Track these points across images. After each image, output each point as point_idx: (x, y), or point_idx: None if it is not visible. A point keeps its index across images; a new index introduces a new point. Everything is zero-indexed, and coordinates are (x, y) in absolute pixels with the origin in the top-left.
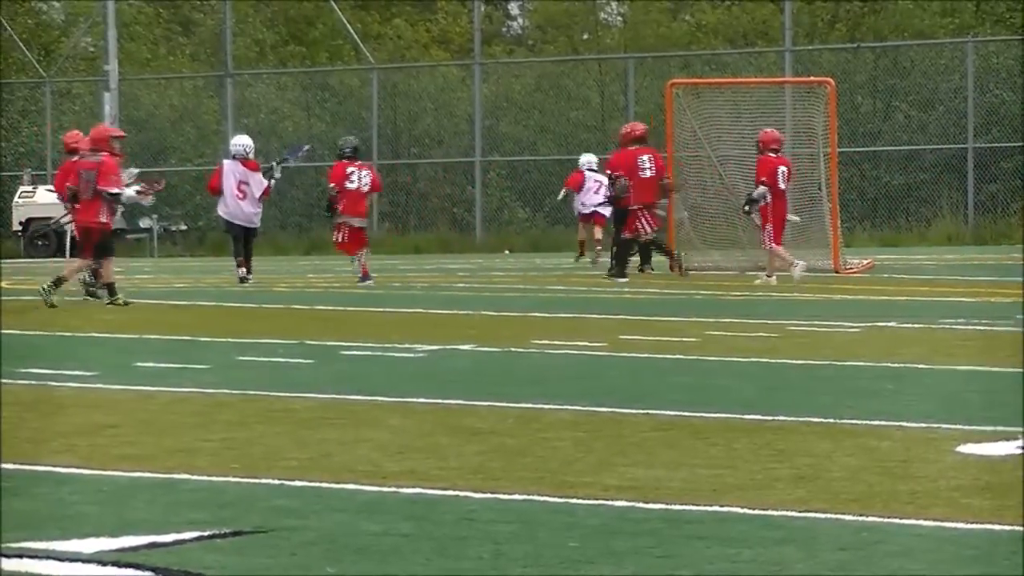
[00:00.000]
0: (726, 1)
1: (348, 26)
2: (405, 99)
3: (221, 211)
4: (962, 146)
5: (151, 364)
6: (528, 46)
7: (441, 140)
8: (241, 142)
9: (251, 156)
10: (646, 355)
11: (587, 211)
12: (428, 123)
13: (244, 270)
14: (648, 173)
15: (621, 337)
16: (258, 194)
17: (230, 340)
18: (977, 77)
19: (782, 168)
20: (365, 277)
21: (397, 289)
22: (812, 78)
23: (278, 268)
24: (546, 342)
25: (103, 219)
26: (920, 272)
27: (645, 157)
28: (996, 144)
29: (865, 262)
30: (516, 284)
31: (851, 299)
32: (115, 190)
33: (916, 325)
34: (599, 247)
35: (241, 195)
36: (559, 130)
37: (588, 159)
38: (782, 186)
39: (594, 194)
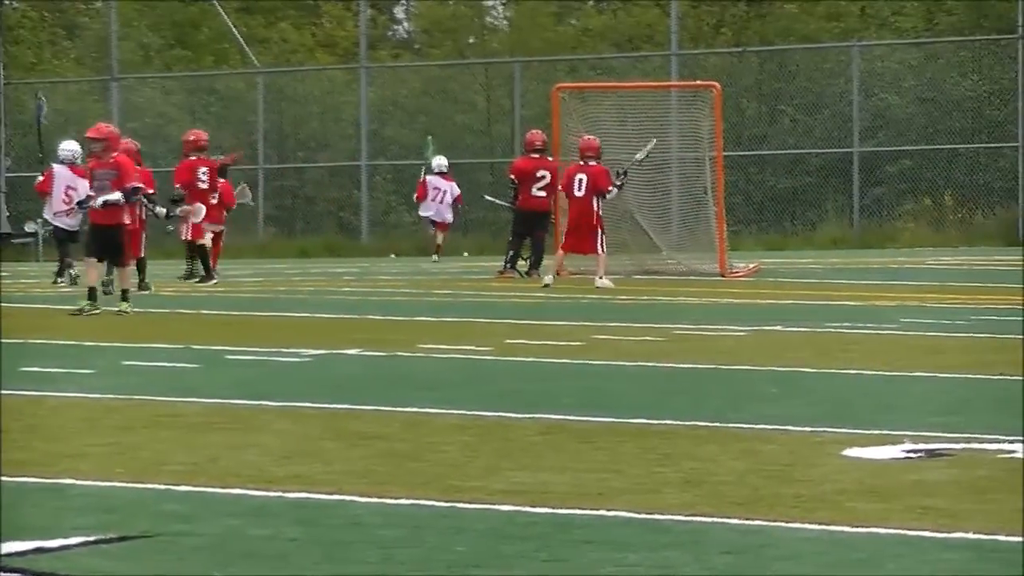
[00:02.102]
0: (612, 4)
1: (233, 29)
2: (291, 103)
3: (47, 215)
4: (848, 150)
5: (37, 368)
6: (414, 50)
7: (327, 144)
8: (70, 147)
9: (79, 162)
10: (533, 359)
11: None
12: (314, 127)
13: (74, 271)
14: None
15: (508, 341)
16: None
17: (116, 344)
18: (862, 81)
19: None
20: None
21: (283, 293)
22: (698, 82)
23: (164, 273)
24: (433, 346)
25: (126, 220)
26: (806, 276)
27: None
28: (881, 148)
29: (751, 266)
30: (403, 288)
31: (737, 303)
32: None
33: (802, 329)
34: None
35: (67, 200)
36: (445, 134)
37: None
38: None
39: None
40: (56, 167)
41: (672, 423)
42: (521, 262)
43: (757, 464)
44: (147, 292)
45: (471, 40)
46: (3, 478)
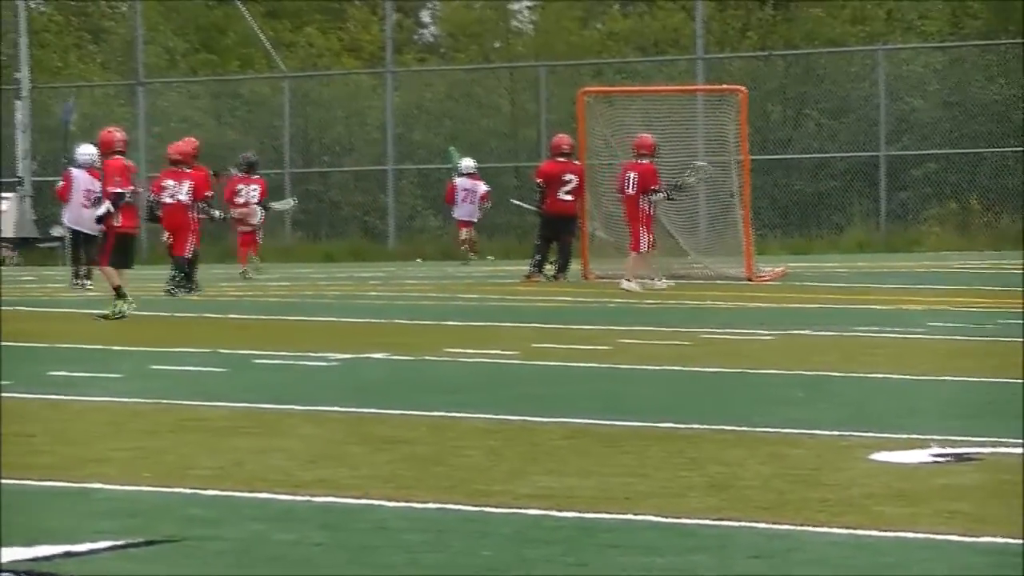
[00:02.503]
0: (637, 8)
1: (259, 34)
2: (317, 107)
3: (67, 219)
4: (873, 154)
5: (63, 373)
6: (440, 54)
7: (353, 148)
8: (88, 151)
9: (97, 165)
10: (559, 363)
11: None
12: (340, 131)
13: (88, 281)
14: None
15: (534, 345)
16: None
17: (143, 349)
18: (888, 85)
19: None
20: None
21: (310, 298)
22: (724, 86)
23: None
24: (459, 350)
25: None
26: (832, 279)
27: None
28: (907, 152)
29: (777, 270)
30: (429, 292)
31: (764, 307)
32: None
33: (829, 333)
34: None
35: (87, 203)
36: (471, 138)
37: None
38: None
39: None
40: (75, 171)
41: (698, 427)
42: (548, 266)
43: (783, 468)
44: (197, 293)
45: (496, 44)
46: (29, 482)
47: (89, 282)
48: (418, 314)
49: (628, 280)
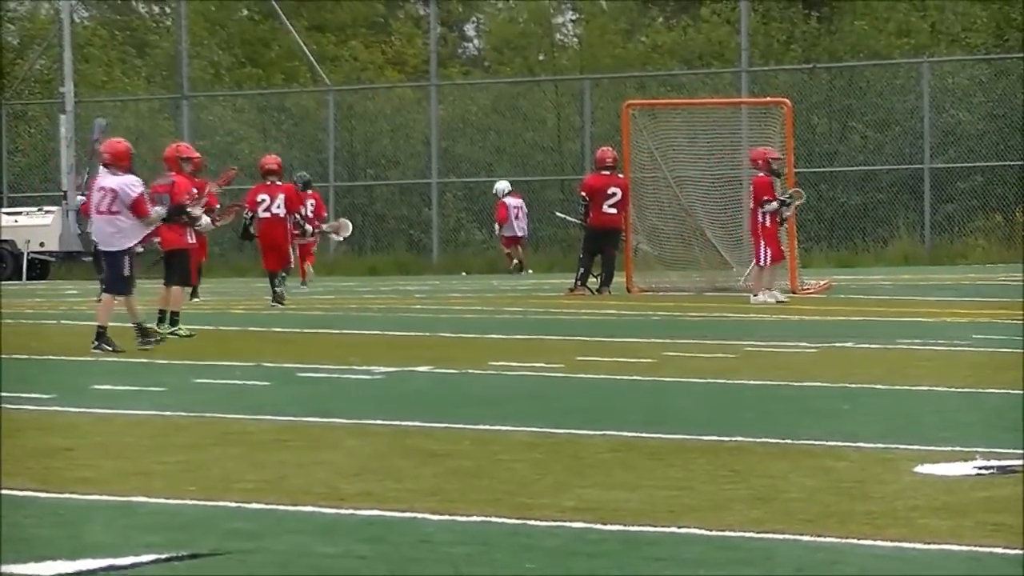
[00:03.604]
0: (682, 21)
1: (304, 48)
2: (361, 121)
3: (94, 235)
4: (918, 166)
5: (108, 387)
6: (484, 67)
7: (397, 162)
8: None
9: None
10: (603, 376)
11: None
12: (384, 145)
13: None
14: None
15: (578, 358)
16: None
17: (186, 362)
18: (933, 97)
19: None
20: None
21: (354, 311)
22: (768, 99)
23: (235, 290)
24: (503, 363)
25: (190, 240)
26: (877, 292)
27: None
28: (952, 164)
29: (822, 282)
30: (473, 305)
31: (808, 319)
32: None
33: (873, 345)
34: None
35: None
36: (515, 151)
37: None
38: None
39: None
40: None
41: (742, 440)
42: (592, 279)
43: (828, 481)
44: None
45: (541, 57)
46: (73, 496)
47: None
48: (462, 327)
49: (755, 296)
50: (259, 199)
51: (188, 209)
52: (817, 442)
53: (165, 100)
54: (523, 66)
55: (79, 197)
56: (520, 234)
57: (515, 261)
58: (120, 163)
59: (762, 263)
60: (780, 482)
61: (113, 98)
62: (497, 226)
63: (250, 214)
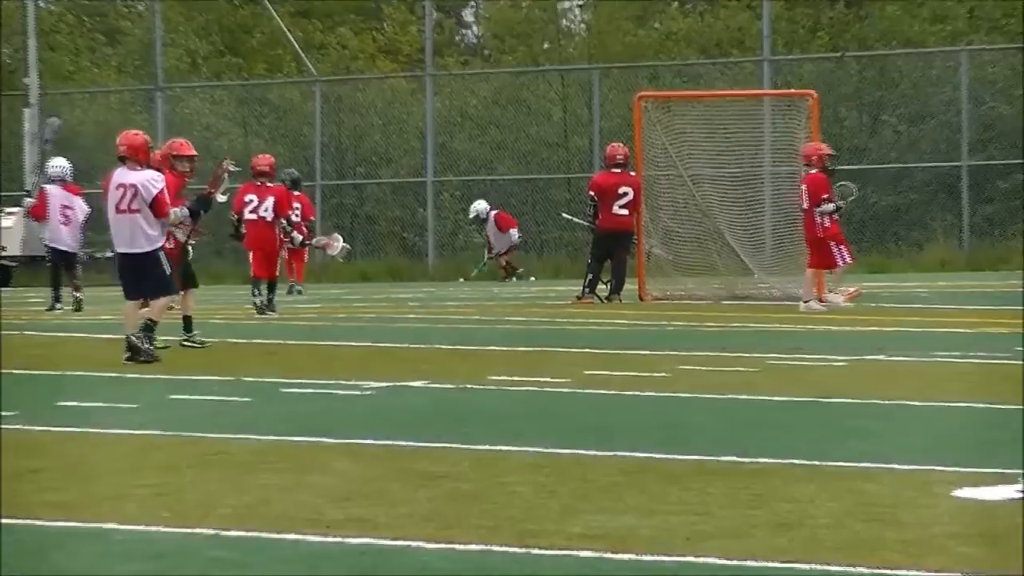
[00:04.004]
0: (698, 7)
1: (288, 35)
2: (351, 114)
3: (46, 238)
4: (956, 164)
5: (76, 403)
6: (484, 56)
7: (390, 159)
8: (60, 164)
9: (69, 179)
10: (614, 392)
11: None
12: (376, 140)
13: (80, 295)
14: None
15: (587, 372)
16: (82, 218)
17: (161, 377)
18: (972, 88)
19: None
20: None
21: (343, 321)
22: (793, 90)
23: (214, 298)
24: (505, 378)
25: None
26: (911, 300)
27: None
28: (993, 162)
29: (851, 290)
30: (472, 315)
31: (836, 330)
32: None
33: (907, 358)
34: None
35: (64, 220)
36: (518, 147)
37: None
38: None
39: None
40: (48, 187)
41: (765, 461)
42: (601, 286)
43: (858, 505)
44: (274, 315)
45: (546, 45)
46: (41, 522)
47: (81, 295)
48: (460, 338)
49: (818, 302)
50: (246, 199)
51: (214, 198)
52: (846, 464)
53: (137, 92)
54: (526, 55)
55: (27, 200)
56: (517, 242)
57: (518, 269)
58: (138, 157)
59: (840, 263)
60: (806, 507)
61: (81, 90)
62: (491, 245)
63: (236, 215)
